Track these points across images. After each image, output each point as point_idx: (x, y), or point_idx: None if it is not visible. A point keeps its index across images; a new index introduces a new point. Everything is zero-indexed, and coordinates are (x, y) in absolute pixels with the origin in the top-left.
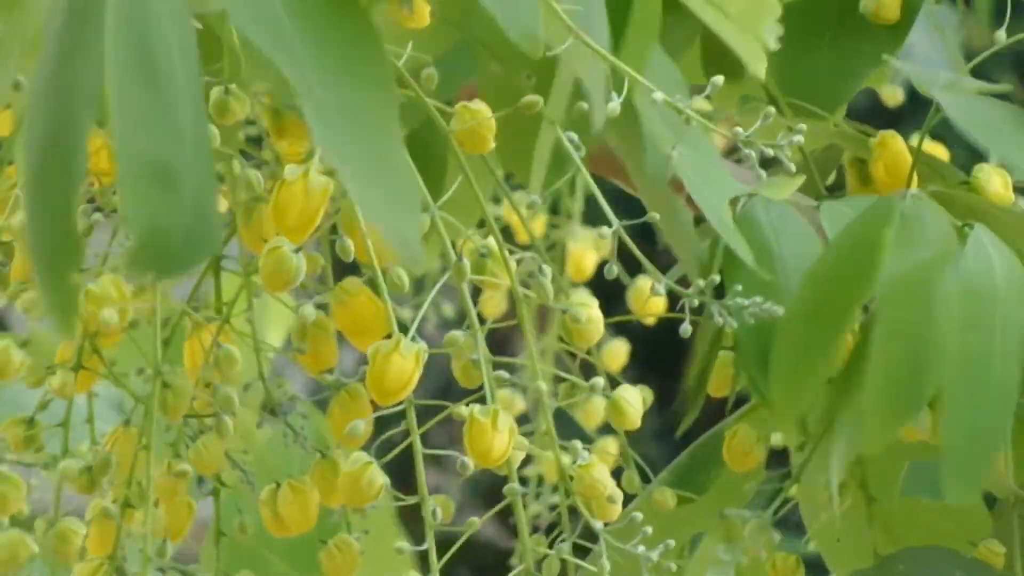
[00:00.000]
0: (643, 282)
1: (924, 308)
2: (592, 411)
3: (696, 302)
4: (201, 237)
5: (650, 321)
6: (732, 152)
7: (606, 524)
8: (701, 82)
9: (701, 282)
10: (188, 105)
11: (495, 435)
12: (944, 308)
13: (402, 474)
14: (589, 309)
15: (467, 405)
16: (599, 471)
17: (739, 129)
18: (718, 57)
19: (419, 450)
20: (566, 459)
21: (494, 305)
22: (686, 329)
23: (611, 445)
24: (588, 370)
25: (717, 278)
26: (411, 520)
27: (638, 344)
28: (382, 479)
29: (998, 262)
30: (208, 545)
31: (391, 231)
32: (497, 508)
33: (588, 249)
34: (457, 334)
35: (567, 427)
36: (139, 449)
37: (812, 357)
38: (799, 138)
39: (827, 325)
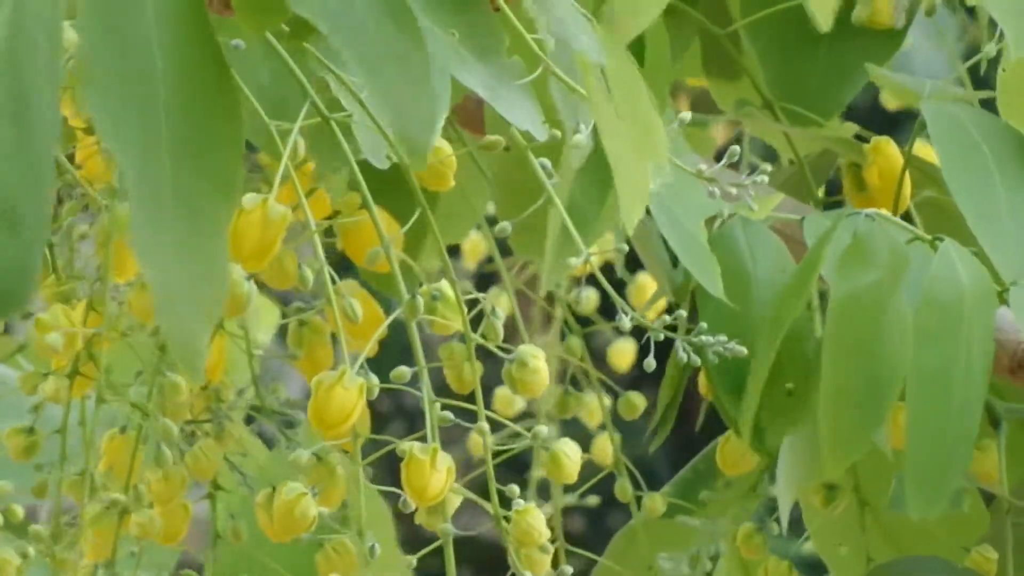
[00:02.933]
0: (643, 279)
1: (873, 328)
2: (592, 410)
3: (662, 337)
4: (28, 279)
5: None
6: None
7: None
8: (700, 79)
9: (668, 317)
10: (43, 145)
11: (432, 474)
12: (896, 325)
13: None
14: (535, 359)
15: (410, 441)
16: (534, 518)
17: (703, 167)
18: (717, 57)
19: (361, 483)
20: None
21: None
22: (649, 363)
23: (607, 447)
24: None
25: (684, 313)
26: (406, 517)
27: (638, 343)
28: (315, 511)
29: (966, 276)
30: (209, 552)
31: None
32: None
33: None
34: (405, 370)
35: (568, 426)
36: (135, 454)
37: (761, 376)
38: (764, 178)
39: (770, 344)
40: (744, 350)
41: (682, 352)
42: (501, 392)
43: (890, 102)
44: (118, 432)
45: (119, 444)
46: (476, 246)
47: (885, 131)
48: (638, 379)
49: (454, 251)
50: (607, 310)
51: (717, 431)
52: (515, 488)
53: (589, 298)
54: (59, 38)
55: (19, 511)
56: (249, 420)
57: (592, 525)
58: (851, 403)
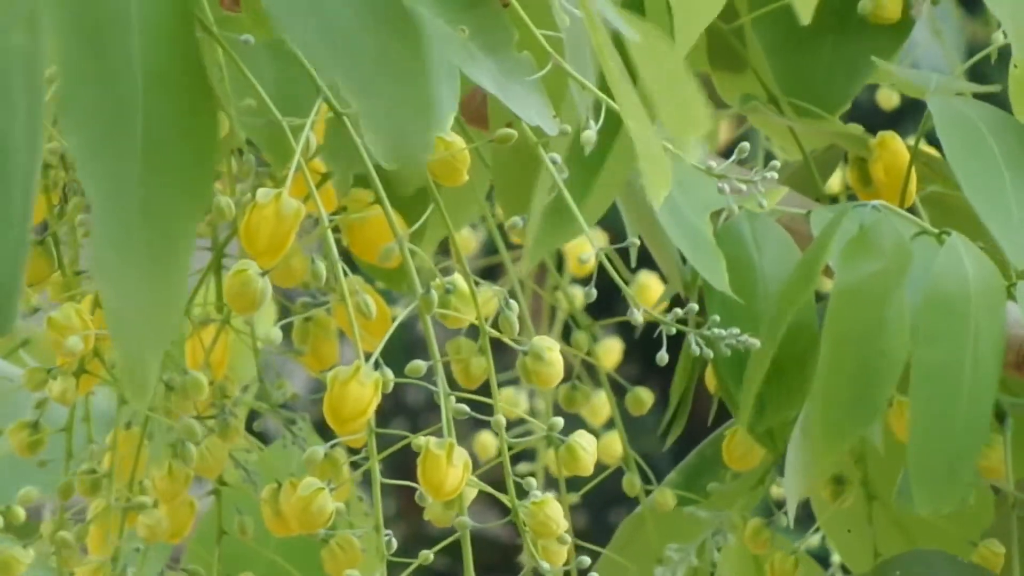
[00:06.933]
0: (645, 278)
1: (873, 319)
2: (598, 408)
3: (674, 330)
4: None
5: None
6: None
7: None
8: (705, 69)
9: (679, 311)
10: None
11: (449, 469)
12: (897, 317)
13: (404, 465)
14: (551, 351)
15: (425, 436)
16: (552, 509)
17: (712, 164)
18: (722, 49)
19: (377, 479)
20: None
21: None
22: (662, 357)
23: (615, 443)
24: (592, 369)
25: (695, 307)
26: (410, 515)
27: (640, 341)
28: (332, 506)
29: (972, 270)
30: (192, 541)
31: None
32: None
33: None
34: (420, 363)
35: (571, 422)
36: (139, 450)
37: (762, 364)
38: (773, 174)
39: (772, 333)
40: (757, 342)
41: (694, 346)
42: (505, 393)
43: (888, 100)
44: (123, 428)
45: (124, 441)
46: (466, 242)
47: (884, 128)
48: (636, 377)
49: (445, 247)
50: (595, 308)
51: (720, 424)
52: (532, 480)
53: (576, 295)
54: (39, 75)
55: (21, 513)
56: (252, 417)
57: (595, 521)
58: (845, 390)
